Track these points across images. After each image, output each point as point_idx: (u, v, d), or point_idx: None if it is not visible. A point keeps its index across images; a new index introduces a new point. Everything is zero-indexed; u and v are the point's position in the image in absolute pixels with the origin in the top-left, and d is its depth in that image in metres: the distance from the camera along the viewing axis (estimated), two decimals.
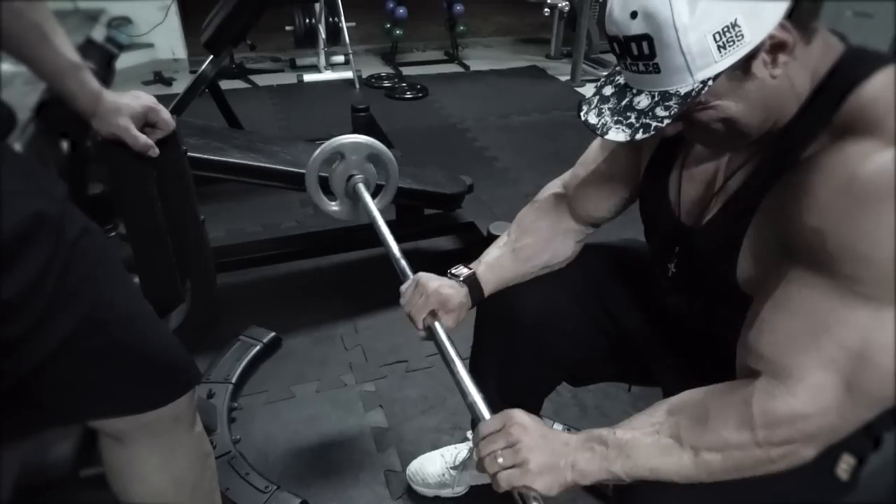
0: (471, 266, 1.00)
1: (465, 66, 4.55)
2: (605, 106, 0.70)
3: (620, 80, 0.70)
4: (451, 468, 1.30)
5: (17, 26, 0.77)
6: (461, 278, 0.97)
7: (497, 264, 1.00)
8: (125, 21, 3.89)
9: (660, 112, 0.64)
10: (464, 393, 0.79)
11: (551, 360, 1.04)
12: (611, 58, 0.79)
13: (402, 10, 4.27)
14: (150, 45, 4.06)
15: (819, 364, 0.62)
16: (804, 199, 0.62)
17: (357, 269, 2.11)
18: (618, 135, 0.67)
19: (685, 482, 0.68)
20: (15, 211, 0.62)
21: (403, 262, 1.02)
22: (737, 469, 0.66)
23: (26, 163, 0.70)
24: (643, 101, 0.66)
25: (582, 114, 0.72)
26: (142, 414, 0.82)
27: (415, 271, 0.99)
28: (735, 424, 0.65)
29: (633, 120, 0.66)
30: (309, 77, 4.10)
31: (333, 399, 1.62)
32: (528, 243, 1.00)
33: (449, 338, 0.88)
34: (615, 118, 0.68)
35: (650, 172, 0.90)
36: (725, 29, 0.59)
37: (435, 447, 1.40)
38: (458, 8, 4.37)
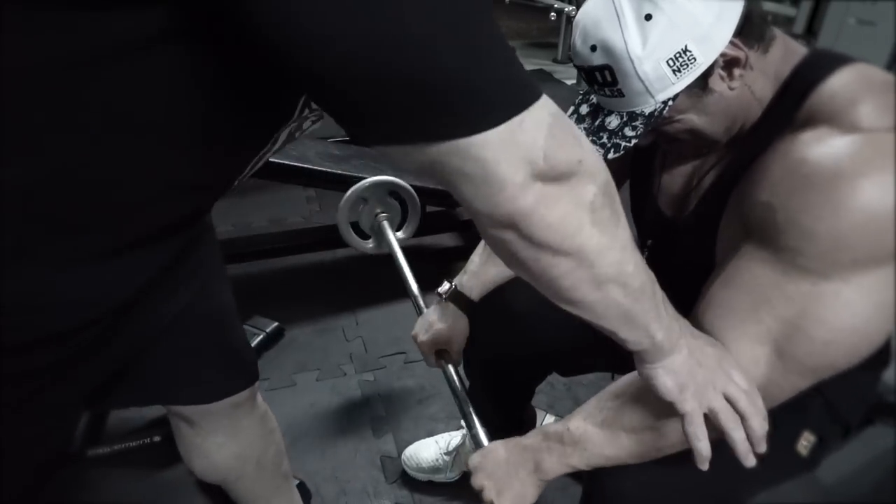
0: (451, 280, 1.07)
1: None
2: (582, 126, 0.75)
3: (594, 99, 0.76)
4: (445, 454, 1.35)
5: None
6: (444, 296, 1.05)
7: (481, 271, 1.05)
8: None
9: (628, 132, 0.70)
10: (468, 424, 0.91)
11: (540, 348, 1.08)
12: None
13: None
14: None
15: (755, 338, 0.66)
16: (761, 178, 0.67)
17: (360, 264, 2.15)
18: None
19: (638, 461, 0.73)
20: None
21: (421, 302, 1.14)
22: (681, 442, 0.70)
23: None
24: (613, 122, 0.72)
25: None
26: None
27: (423, 295, 1.13)
28: (668, 403, 0.68)
29: (605, 140, 0.72)
30: None
31: (333, 388, 1.66)
32: None
33: (457, 373, 1.02)
34: (590, 138, 0.74)
35: (636, 170, 0.94)
36: (677, 55, 0.64)
37: (430, 435, 1.44)
38: None
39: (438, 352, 1.06)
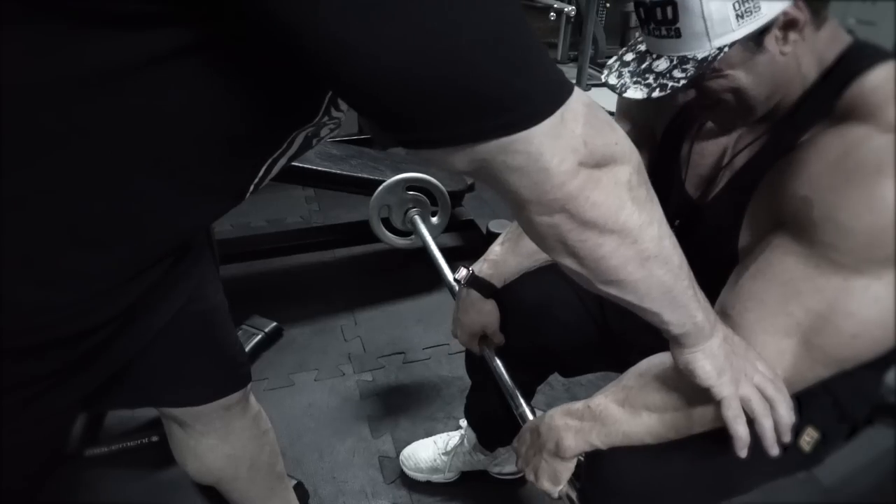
0: (468, 266, 1.07)
1: None
2: (626, 69, 0.74)
3: (641, 47, 0.75)
4: (443, 454, 1.34)
5: None
6: (462, 282, 1.05)
7: (501, 261, 1.05)
8: None
9: (677, 74, 0.68)
10: (514, 405, 0.93)
11: (547, 346, 1.07)
12: None
13: None
14: None
15: (784, 330, 0.67)
16: (799, 172, 0.67)
17: (358, 264, 2.15)
18: (636, 92, 0.71)
19: (655, 442, 0.72)
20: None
21: (457, 289, 1.12)
22: (701, 425, 0.70)
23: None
24: (662, 65, 0.70)
25: (603, 77, 0.76)
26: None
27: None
28: (695, 387, 0.67)
29: (651, 80, 0.70)
30: None
31: (332, 388, 1.66)
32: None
33: (498, 358, 1.03)
34: (634, 79, 0.72)
35: (663, 152, 0.93)
36: None
37: (428, 435, 1.44)
38: None
39: (481, 338, 1.06)
